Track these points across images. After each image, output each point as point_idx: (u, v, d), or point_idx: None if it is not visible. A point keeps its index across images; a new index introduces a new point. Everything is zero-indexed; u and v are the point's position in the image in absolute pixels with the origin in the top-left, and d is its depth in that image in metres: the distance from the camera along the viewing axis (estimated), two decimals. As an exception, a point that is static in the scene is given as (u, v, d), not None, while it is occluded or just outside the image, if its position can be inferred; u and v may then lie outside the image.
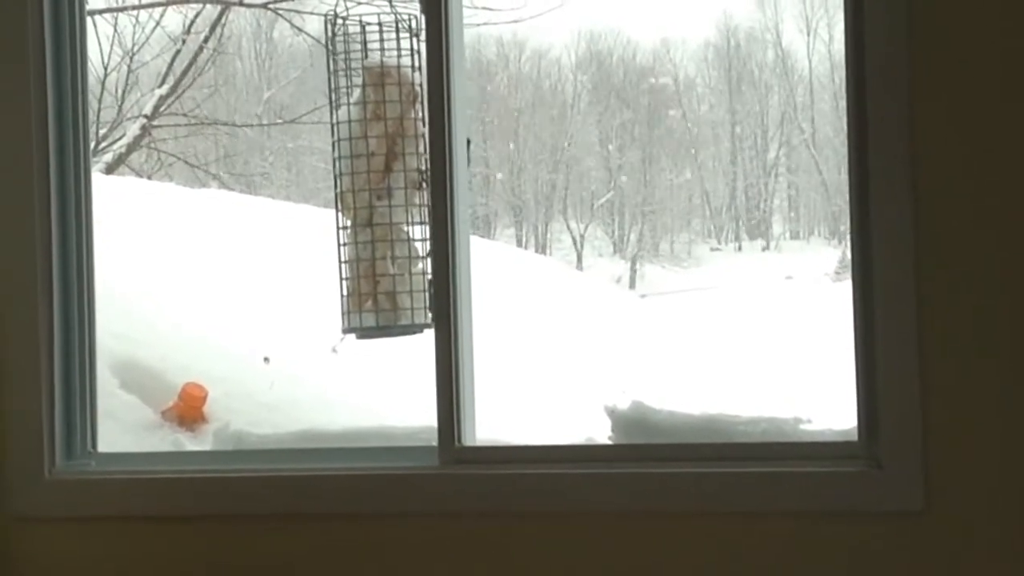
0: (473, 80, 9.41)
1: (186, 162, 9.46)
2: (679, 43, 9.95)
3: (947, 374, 2.67)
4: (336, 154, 3.24)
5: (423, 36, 3.04)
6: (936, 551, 2.69)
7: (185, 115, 9.28)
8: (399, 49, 3.22)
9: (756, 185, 10.36)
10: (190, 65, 9.25)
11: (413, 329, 3.18)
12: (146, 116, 9.04)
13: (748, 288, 9.90)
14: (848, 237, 2.90)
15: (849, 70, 2.76)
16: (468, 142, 3.07)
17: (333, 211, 3.28)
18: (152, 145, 9.31)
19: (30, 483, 3.13)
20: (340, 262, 3.26)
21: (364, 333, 3.24)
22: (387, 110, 3.20)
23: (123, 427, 4.48)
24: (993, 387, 2.66)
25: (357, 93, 3.23)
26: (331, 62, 3.27)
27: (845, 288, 2.88)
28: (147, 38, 9.39)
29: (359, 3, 3.32)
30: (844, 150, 2.92)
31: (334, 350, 3.28)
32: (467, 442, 2.98)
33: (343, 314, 3.24)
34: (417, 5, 3.10)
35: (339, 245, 3.26)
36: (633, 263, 10.20)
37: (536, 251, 10.10)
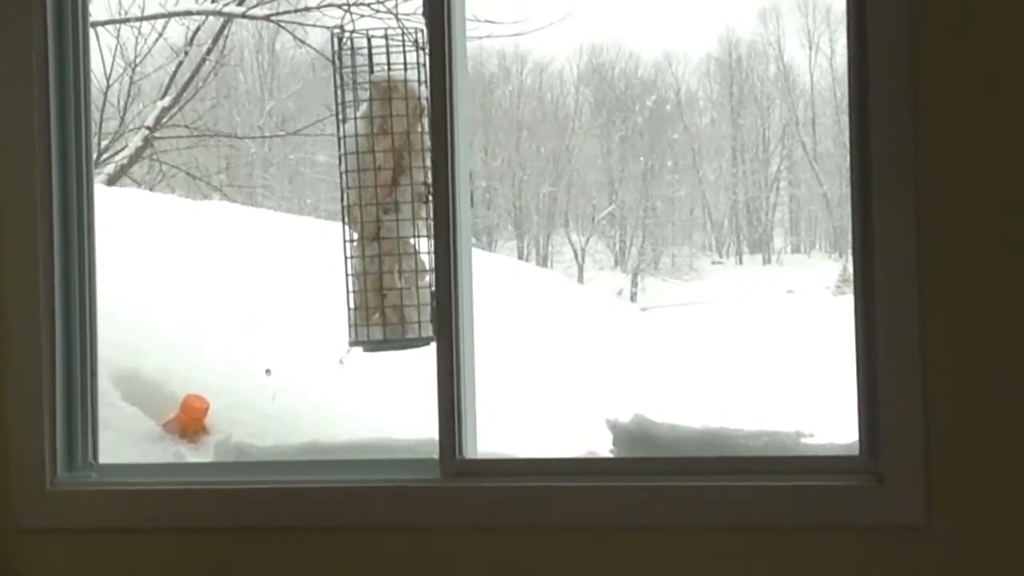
0: (475, 93, 9.42)
1: (188, 174, 9.46)
2: (681, 57, 9.96)
3: (949, 388, 2.67)
4: (343, 168, 3.25)
5: (428, 49, 3.05)
6: (937, 565, 2.69)
7: (187, 127, 9.28)
8: (405, 63, 3.23)
9: (757, 199, 10.35)
10: (192, 77, 9.25)
11: (420, 342, 3.19)
12: (148, 128, 9.04)
13: (749, 302, 9.89)
14: (849, 251, 2.90)
15: (851, 84, 2.77)
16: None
17: (335, 223, 3.29)
18: (154, 157, 9.30)
19: (31, 495, 3.13)
20: (347, 275, 3.27)
21: (371, 346, 3.25)
22: (394, 124, 3.21)
23: (124, 439, 4.47)
24: (995, 401, 2.66)
25: (364, 107, 3.24)
26: (337, 76, 3.27)
27: (846, 302, 2.88)
28: (149, 50, 9.40)
29: (361, 16, 3.33)
30: (845, 164, 2.93)
31: (341, 362, 3.29)
32: (468, 455, 2.99)
33: (350, 327, 3.25)
34: (423, 20, 3.10)
35: (346, 258, 3.27)
36: (634, 276, 10.19)
37: (537, 264, 10.09)
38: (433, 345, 3.08)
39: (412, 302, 3.19)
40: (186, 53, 9.30)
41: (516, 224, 10.22)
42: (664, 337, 8.82)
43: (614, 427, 3.07)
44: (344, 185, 3.25)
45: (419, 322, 3.18)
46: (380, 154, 3.20)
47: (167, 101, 9.13)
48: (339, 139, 3.26)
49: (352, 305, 3.25)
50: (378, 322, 3.20)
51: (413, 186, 3.21)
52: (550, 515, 2.88)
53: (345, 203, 3.25)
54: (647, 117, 10.19)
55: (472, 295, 3.06)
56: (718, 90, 10.24)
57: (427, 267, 3.19)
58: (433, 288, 3.09)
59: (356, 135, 3.22)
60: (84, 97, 3.26)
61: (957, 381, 2.68)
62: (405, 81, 3.22)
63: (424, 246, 3.22)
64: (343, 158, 3.24)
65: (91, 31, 3.42)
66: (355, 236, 3.25)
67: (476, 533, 2.92)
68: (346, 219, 3.26)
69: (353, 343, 3.26)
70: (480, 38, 8.49)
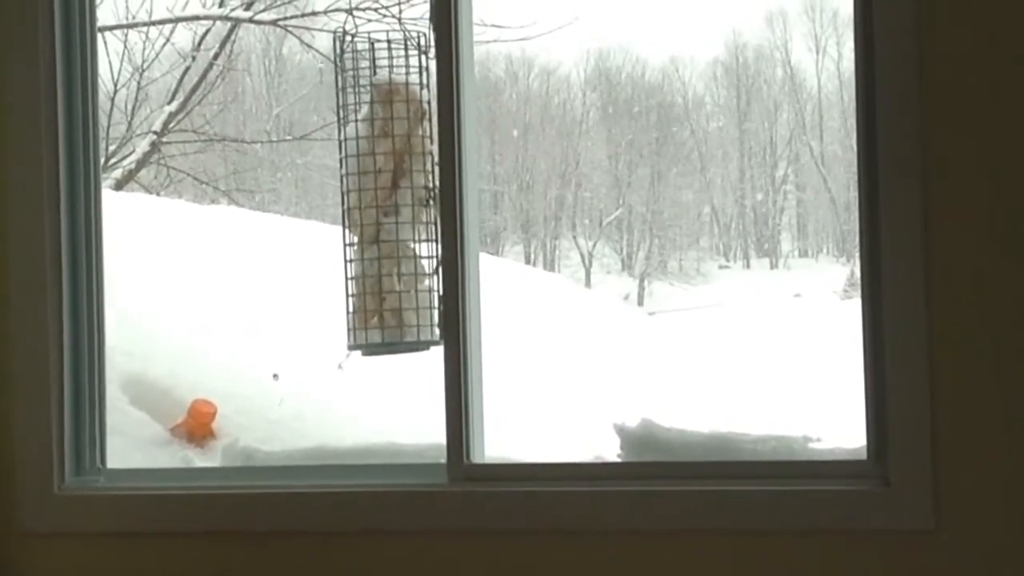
0: (481, 97, 9.42)
1: (195, 178, 9.47)
2: (688, 61, 9.96)
3: (956, 392, 2.67)
4: (344, 171, 3.25)
5: (431, 53, 3.05)
6: (945, 570, 2.69)
7: (194, 131, 9.29)
8: (407, 66, 3.23)
9: (764, 203, 10.35)
10: (200, 82, 9.26)
11: (419, 346, 3.19)
12: (155, 132, 9.05)
13: (756, 306, 9.88)
14: (857, 255, 2.90)
15: (858, 88, 2.77)
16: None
17: (341, 228, 3.29)
18: (161, 161, 9.32)
19: (39, 499, 3.14)
20: (347, 278, 3.27)
21: (370, 350, 3.25)
22: (395, 127, 3.21)
23: (132, 443, 4.48)
24: (1002, 405, 2.66)
25: (365, 110, 3.24)
26: (339, 79, 3.27)
27: (853, 306, 2.88)
28: (157, 55, 9.41)
29: (368, 20, 3.34)
30: (853, 168, 2.93)
31: (340, 367, 3.29)
32: (476, 459, 2.98)
33: (349, 331, 3.24)
34: (425, 22, 3.11)
35: (346, 262, 3.27)
36: (641, 280, 10.19)
37: (544, 268, 10.09)
38: (433, 349, 3.07)
39: (411, 305, 3.18)
40: (193, 58, 9.31)
41: (523, 228, 10.22)
42: (671, 341, 8.82)
43: (621, 431, 3.06)
44: (345, 188, 3.25)
45: (418, 326, 3.18)
46: (380, 156, 3.20)
47: (174, 106, 9.15)
48: (340, 142, 3.26)
49: (351, 309, 3.24)
50: (376, 325, 3.20)
51: (413, 189, 3.21)
52: (557, 520, 2.88)
53: (345, 206, 3.25)
54: (654, 121, 10.19)
55: (479, 299, 3.06)
56: (725, 94, 10.24)
57: (427, 271, 3.19)
58: (432, 292, 3.10)
59: (357, 137, 3.22)
60: (92, 102, 3.27)
61: (964, 385, 2.67)
62: (406, 84, 3.22)
63: (424, 249, 3.22)
64: (344, 161, 3.25)
65: (99, 36, 3.42)
66: (355, 239, 3.25)
67: (483, 537, 2.92)
68: (346, 222, 3.26)
69: (352, 347, 3.26)
70: (487, 42, 8.50)
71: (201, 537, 3.06)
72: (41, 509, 3.14)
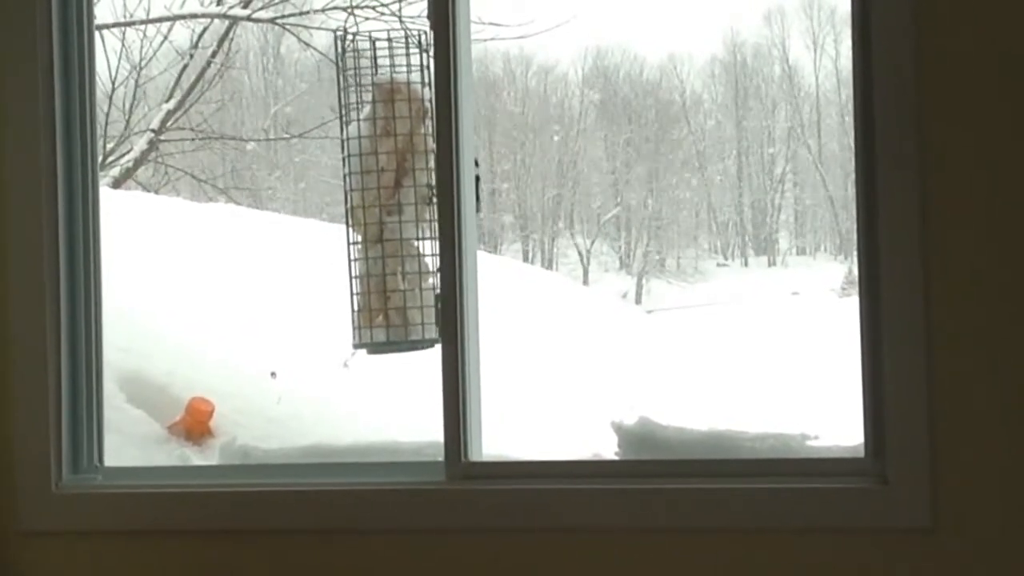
0: (480, 95, 9.42)
1: (193, 176, 9.47)
2: (686, 59, 9.97)
3: (954, 390, 2.67)
4: (346, 170, 3.25)
5: (432, 52, 3.05)
6: (942, 567, 2.69)
7: (192, 130, 9.29)
8: (408, 65, 3.23)
9: (762, 201, 10.36)
10: (197, 80, 9.26)
11: (423, 344, 3.19)
12: (153, 130, 9.04)
13: (754, 304, 9.89)
14: (855, 253, 2.90)
15: (856, 86, 2.77)
16: (477, 179, 3.06)
17: (340, 226, 3.29)
18: (159, 159, 9.32)
19: (37, 497, 3.13)
20: (351, 277, 3.27)
21: (375, 348, 3.25)
22: (397, 126, 3.21)
23: (130, 441, 4.48)
24: (1000, 403, 2.66)
25: (367, 109, 3.24)
26: (341, 78, 3.27)
27: (851, 304, 2.88)
28: (155, 52, 9.40)
29: (367, 19, 3.34)
30: (850, 166, 2.93)
31: (345, 365, 3.29)
32: (474, 457, 2.98)
33: (354, 329, 3.25)
34: (425, 21, 3.11)
35: (350, 261, 3.27)
36: (639, 278, 10.20)
37: (542, 266, 10.10)
38: (437, 347, 3.07)
39: (415, 304, 3.19)
40: (191, 56, 9.30)
41: (521, 226, 10.23)
42: (669, 339, 8.82)
43: (619, 429, 3.06)
44: (348, 187, 3.25)
45: (422, 324, 3.18)
46: (383, 156, 3.20)
47: (172, 104, 9.14)
48: (343, 141, 3.26)
49: (356, 307, 3.24)
50: (382, 324, 3.20)
51: (416, 188, 3.21)
52: (555, 518, 2.88)
53: (349, 205, 3.25)
54: (652, 119, 10.20)
55: (477, 297, 3.05)
56: (723, 92, 10.25)
57: (431, 269, 3.19)
58: (437, 290, 3.09)
59: (359, 137, 3.22)
60: (89, 100, 3.26)
61: (962, 383, 2.67)
62: (408, 83, 3.22)
63: (428, 248, 3.22)
64: (347, 160, 3.24)
65: (96, 34, 3.42)
66: (359, 238, 3.25)
67: (481, 536, 2.92)
68: (350, 221, 3.26)
69: (357, 345, 3.26)
70: (485, 40, 8.49)
71: (199, 535, 3.06)
72: (39, 507, 3.14)
